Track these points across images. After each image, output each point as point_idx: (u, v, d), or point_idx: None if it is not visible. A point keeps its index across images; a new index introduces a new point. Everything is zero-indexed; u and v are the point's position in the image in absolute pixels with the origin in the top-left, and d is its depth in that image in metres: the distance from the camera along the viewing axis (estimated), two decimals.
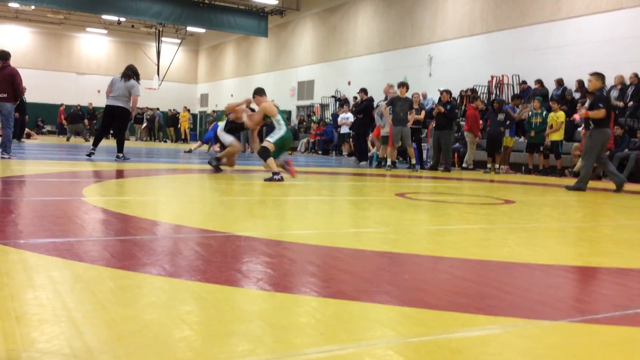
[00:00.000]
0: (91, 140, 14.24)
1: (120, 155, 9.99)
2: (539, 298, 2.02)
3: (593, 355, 1.49)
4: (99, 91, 30.32)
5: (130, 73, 10.00)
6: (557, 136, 12.32)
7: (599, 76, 8.15)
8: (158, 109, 30.54)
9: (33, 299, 1.72)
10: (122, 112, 9.97)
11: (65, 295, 1.77)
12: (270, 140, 6.95)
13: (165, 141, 29.72)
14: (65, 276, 2.01)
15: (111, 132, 13.43)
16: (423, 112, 13.10)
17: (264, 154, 6.85)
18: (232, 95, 32.88)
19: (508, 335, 1.61)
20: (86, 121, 24.70)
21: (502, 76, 16.12)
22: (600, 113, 7.77)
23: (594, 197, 7.03)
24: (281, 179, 6.67)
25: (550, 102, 12.65)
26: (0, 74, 9.00)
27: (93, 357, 1.30)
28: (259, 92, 7.42)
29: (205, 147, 16.58)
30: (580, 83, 13.96)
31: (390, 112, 11.62)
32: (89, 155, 9.94)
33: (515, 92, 15.60)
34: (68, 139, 22.62)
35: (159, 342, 1.42)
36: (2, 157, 8.82)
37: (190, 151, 15.75)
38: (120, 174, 7.08)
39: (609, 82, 13.20)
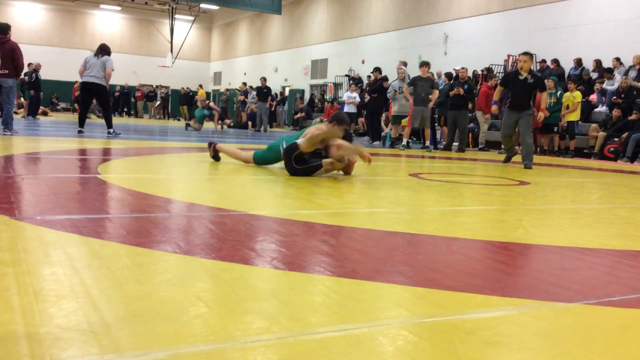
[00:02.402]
0: (102, 117, 14.48)
1: (111, 130, 10.14)
2: (554, 280, 2.02)
3: (608, 338, 1.48)
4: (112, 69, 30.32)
5: (103, 51, 10.24)
6: (574, 117, 12.18)
7: (531, 56, 8.24)
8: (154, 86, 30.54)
9: (50, 275, 1.74)
10: (98, 89, 10.15)
11: (82, 272, 1.79)
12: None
13: (179, 119, 29.80)
14: (82, 252, 2.03)
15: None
16: (436, 92, 12.96)
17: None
18: (245, 74, 32.82)
19: (523, 316, 1.61)
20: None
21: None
22: (546, 97, 8.37)
23: (609, 179, 6.97)
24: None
25: (568, 82, 12.48)
26: (1, 49, 8.94)
27: (110, 332, 1.32)
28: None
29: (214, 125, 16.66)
30: (598, 63, 13.77)
31: (412, 92, 11.39)
32: (79, 132, 10.17)
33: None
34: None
35: (175, 319, 1.43)
36: (4, 134, 8.83)
37: (187, 126, 16.13)
38: (134, 152, 7.11)
39: (628, 62, 13.02)
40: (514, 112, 8.12)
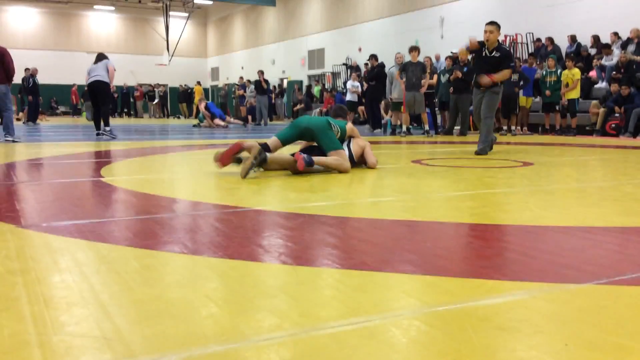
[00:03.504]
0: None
1: (107, 128, 10.17)
2: (564, 261, 2.01)
3: (621, 317, 1.48)
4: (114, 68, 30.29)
5: (102, 57, 10.60)
6: (574, 94, 12.12)
7: (498, 26, 6.94)
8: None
9: (60, 282, 1.74)
10: (101, 85, 10.25)
11: (91, 277, 1.79)
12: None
13: (179, 117, 29.76)
14: (90, 258, 2.03)
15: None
16: (435, 76, 12.93)
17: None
18: (242, 68, 32.72)
19: (535, 300, 1.60)
20: None
21: (516, 35, 15.83)
22: (507, 74, 6.95)
23: (612, 155, 6.94)
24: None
25: (566, 60, 12.41)
26: None
27: (123, 338, 1.31)
28: None
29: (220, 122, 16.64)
30: (596, 38, 13.67)
31: (403, 77, 11.46)
32: (98, 135, 10.32)
33: (530, 50, 15.32)
34: (88, 118, 22.56)
35: (187, 320, 1.43)
36: (6, 141, 8.82)
37: (198, 125, 15.91)
38: (136, 153, 7.11)
39: (625, 35, 12.93)
40: (479, 91, 7.07)
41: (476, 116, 7.29)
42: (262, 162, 4.45)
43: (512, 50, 15.75)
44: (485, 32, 6.87)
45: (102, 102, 10.42)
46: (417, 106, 11.45)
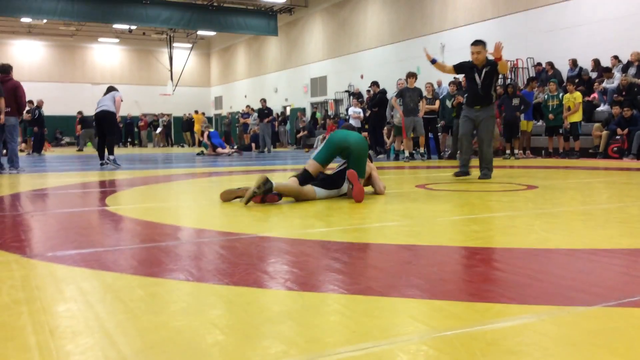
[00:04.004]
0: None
1: (112, 157, 10.25)
2: (571, 284, 1.99)
3: (631, 339, 1.46)
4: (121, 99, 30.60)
5: (111, 89, 10.90)
6: (576, 117, 12.16)
7: (484, 44, 6.73)
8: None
9: (65, 311, 1.73)
10: (107, 115, 10.44)
11: (96, 306, 1.78)
12: (311, 157, 4.87)
13: (183, 146, 29.91)
14: (95, 286, 2.02)
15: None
16: (437, 102, 13.02)
17: (297, 175, 4.77)
18: (245, 96, 32.98)
19: (543, 323, 1.58)
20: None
21: (517, 60, 15.95)
22: (506, 63, 6.80)
23: (616, 178, 6.93)
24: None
25: (567, 84, 12.48)
26: (4, 87, 9.05)
27: None
28: None
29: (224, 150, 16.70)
30: (596, 62, 13.76)
31: (401, 103, 11.66)
32: (102, 164, 10.44)
33: (531, 75, 15.42)
34: (80, 149, 22.47)
35: (193, 348, 1.42)
36: (11, 172, 8.87)
37: (202, 153, 15.96)
38: (140, 182, 7.13)
39: (625, 59, 13.01)
40: (472, 110, 6.80)
41: (465, 135, 6.96)
42: (268, 191, 4.35)
43: (512, 75, 15.88)
44: (473, 53, 6.72)
45: (109, 131, 10.54)
46: (418, 129, 11.67)
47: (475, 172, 6.94)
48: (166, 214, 4.14)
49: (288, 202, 4.56)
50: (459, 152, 6.97)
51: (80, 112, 24.65)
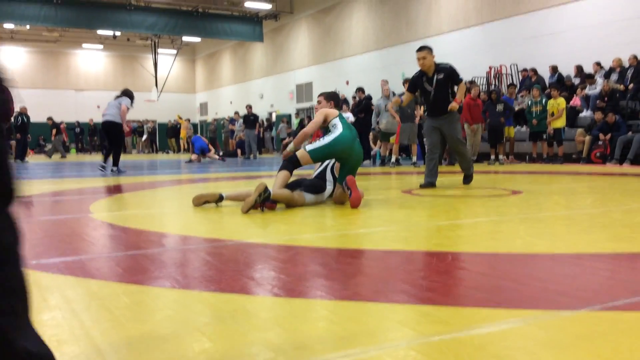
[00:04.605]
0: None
1: (115, 169, 10.27)
2: (557, 288, 2.01)
3: (616, 343, 1.47)
4: (98, 107, 30.47)
5: (124, 93, 10.73)
6: (560, 123, 12.28)
7: (429, 49, 6.55)
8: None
9: (50, 320, 1.71)
10: (111, 126, 10.44)
11: (81, 314, 1.76)
12: (307, 148, 4.77)
13: (168, 152, 29.76)
14: (79, 294, 2.00)
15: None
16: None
17: (285, 164, 4.77)
18: (231, 103, 32.92)
19: (530, 327, 1.59)
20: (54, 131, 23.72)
21: (500, 66, 16.08)
22: (464, 88, 6.71)
23: (600, 183, 7.00)
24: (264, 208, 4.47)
25: (551, 90, 12.61)
26: None
27: None
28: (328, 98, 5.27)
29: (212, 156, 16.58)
30: (579, 68, 13.92)
31: (397, 109, 11.62)
32: (102, 168, 10.50)
33: (515, 81, 15.55)
34: (49, 156, 22.05)
35: (179, 356, 1.41)
36: None
37: (190, 161, 15.84)
38: (124, 188, 7.08)
39: (607, 65, 13.19)
40: (434, 120, 6.56)
41: (432, 147, 6.67)
42: (266, 199, 4.35)
43: (496, 82, 16.00)
44: (419, 59, 6.46)
45: (114, 143, 10.56)
46: (412, 137, 11.68)
47: (486, 177, 6.87)
48: (151, 220, 4.11)
49: (279, 208, 4.55)
50: (426, 163, 6.72)
51: (50, 118, 24.32)
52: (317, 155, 4.74)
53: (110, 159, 10.64)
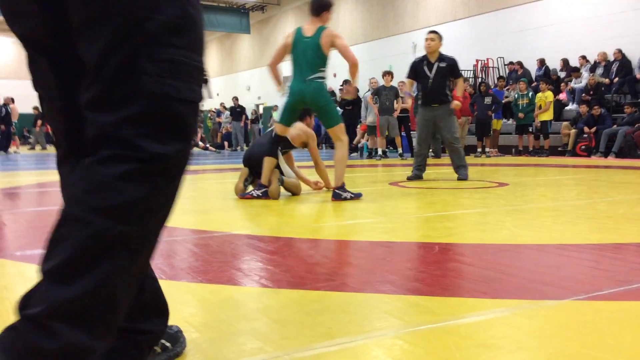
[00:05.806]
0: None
1: None
2: (542, 278, 2.03)
3: (601, 332, 1.49)
4: None
5: None
6: (546, 116, 12.35)
7: (441, 37, 6.47)
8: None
9: None
10: None
11: None
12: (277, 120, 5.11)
13: None
14: None
15: None
16: (410, 100, 13.09)
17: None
18: (217, 94, 32.77)
19: (515, 317, 1.61)
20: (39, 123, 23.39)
21: (487, 59, 16.14)
22: (463, 83, 6.72)
23: (585, 175, 7.07)
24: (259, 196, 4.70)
25: (540, 83, 12.67)
26: None
27: None
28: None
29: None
30: (565, 62, 14.01)
31: (376, 101, 11.66)
32: None
33: (502, 74, 15.62)
34: (32, 147, 21.81)
35: None
36: None
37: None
38: None
39: (593, 59, 13.28)
40: (428, 109, 6.48)
41: (422, 140, 6.67)
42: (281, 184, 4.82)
43: (483, 75, 16.07)
44: (427, 39, 6.39)
45: None
46: (392, 130, 11.66)
47: (473, 170, 6.73)
48: None
49: (260, 199, 4.53)
50: (415, 154, 6.73)
51: (36, 108, 24.05)
52: (283, 117, 4.90)
53: None
